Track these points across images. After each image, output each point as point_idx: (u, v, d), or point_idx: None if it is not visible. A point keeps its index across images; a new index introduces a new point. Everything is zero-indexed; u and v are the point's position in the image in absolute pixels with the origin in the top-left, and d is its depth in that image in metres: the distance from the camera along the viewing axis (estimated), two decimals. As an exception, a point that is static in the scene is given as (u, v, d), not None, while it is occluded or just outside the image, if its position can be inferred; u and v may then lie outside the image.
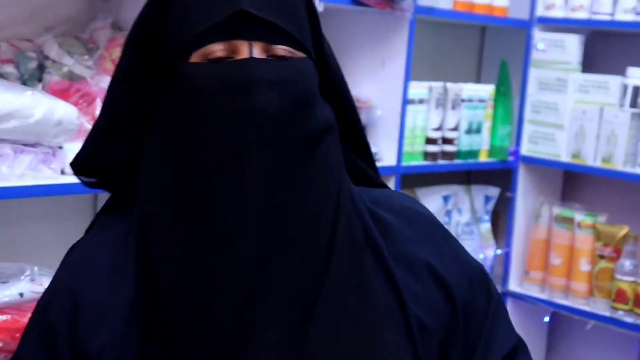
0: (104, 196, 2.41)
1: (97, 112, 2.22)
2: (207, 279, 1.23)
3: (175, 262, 1.26)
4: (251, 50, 1.23)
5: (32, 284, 2.12)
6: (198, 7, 1.26)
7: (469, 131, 3.17)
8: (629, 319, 3.12)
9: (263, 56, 1.24)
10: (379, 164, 2.73)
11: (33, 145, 2.07)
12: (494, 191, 3.43)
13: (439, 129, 3.07)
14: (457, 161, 3.15)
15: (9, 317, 2.05)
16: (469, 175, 3.51)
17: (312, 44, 1.31)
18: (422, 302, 1.32)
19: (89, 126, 2.16)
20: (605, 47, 3.44)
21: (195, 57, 1.25)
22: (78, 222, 2.43)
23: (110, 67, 2.35)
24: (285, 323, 1.22)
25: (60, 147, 2.13)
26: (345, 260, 1.28)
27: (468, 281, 1.39)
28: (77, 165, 1.41)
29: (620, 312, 3.14)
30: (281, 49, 1.25)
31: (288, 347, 1.20)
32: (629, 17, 3.13)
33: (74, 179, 2.08)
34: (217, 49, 1.24)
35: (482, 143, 3.24)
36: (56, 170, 2.11)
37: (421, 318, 1.31)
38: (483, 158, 3.27)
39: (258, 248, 1.22)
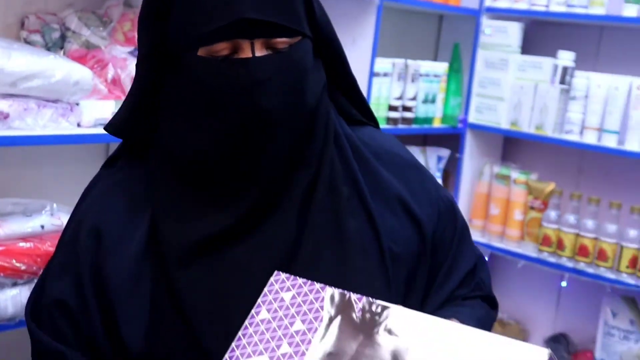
0: (114, 145, 2.43)
1: (110, 75, 2.23)
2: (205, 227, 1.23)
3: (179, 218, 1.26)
4: (253, 48, 1.20)
5: (52, 218, 2.13)
6: (203, 7, 1.22)
7: (425, 101, 3.18)
8: (552, 260, 3.16)
9: (264, 51, 1.22)
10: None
11: (54, 101, 2.07)
12: (445, 152, 3.44)
13: (400, 98, 3.07)
14: (414, 126, 3.15)
15: (32, 244, 2.07)
16: (425, 138, 3.52)
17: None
18: (395, 234, 1.32)
19: (102, 87, 2.18)
20: (541, 33, 3.45)
21: (201, 52, 1.23)
22: (91, 167, 2.43)
23: (122, 38, 2.35)
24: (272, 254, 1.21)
25: (77, 104, 2.13)
26: (326, 197, 1.27)
27: (437, 214, 1.39)
28: (110, 126, 1.38)
29: (545, 254, 3.17)
30: (280, 42, 1.22)
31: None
32: (561, 9, 3.14)
33: (88, 131, 2.11)
34: (222, 48, 1.21)
35: (436, 111, 3.25)
36: (73, 123, 2.11)
37: (393, 248, 1.30)
38: (437, 124, 3.28)
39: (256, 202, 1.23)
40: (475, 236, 3.36)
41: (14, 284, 2.03)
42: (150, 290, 1.25)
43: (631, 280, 2.96)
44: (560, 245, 3.12)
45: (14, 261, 2.01)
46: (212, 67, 1.22)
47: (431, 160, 3.39)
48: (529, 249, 3.24)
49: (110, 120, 1.38)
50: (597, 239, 3.04)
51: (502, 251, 3.34)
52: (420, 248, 1.35)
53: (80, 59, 2.22)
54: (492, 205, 3.36)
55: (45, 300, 1.32)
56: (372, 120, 1.48)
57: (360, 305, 0.94)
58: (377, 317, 0.92)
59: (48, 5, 2.32)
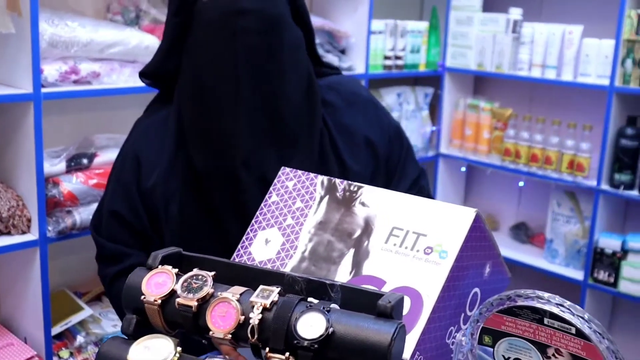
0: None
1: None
2: (220, 150, 1.24)
3: (198, 141, 1.26)
4: None
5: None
6: None
7: (412, 51, 3.17)
8: (512, 166, 3.16)
9: None
10: (353, 73, 2.75)
11: (132, 62, 2.11)
12: (430, 90, 3.44)
13: (392, 49, 3.06)
14: (405, 71, 3.15)
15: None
16: (414, 80, 3.51)
17: None
18: (356, 159, 1.33)
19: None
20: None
21: None
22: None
23: (180, 13, 2.36)
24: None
25: (149, 63, 2.15)
26: (317, 136, 1.29)
27: (388, 139, 1.40)
28: (143, 73, 1.40)
29: (507, 162, 3.18)
30: None
31: None
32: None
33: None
34: None
35: (420, 59, 3.24)
36: (146, 77, 2.15)
37: (356, 170, 1.32)
38: (422, 69, 3.26)
39: (251, 121, 1.21)
40: (455, 152, 3.40)
41: (112, 197, 2.08)
42: (181, 195, 1.27)
43: (570, 178, 2.97)
44: (517, 155, 3.13)
45: (109, 180, 2.07)
46: (209, 4, 1.22)
47: (420, 96, 3.39)
48: (495, 159, 3.25)
49: (142, 69, 1.39)
50: (544, 149, 3.05)
51: (475, 162, 3.35)
52: (376, 167, 1.37)
53: (150, 31, 2.24)
54: (466, 128, 3.37)
55: (104, 214, 1.35)
56: (335, 70, 1.47)
57: (342, 186, 0.98)
58: (354, 195, 0.96)
59: (125, -7, 2.34)
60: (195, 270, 0.81)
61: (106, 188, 1.39)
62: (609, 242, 2.89)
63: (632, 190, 2.84)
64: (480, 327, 0.83)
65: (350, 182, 0.98)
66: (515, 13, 3.09)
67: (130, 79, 2.09)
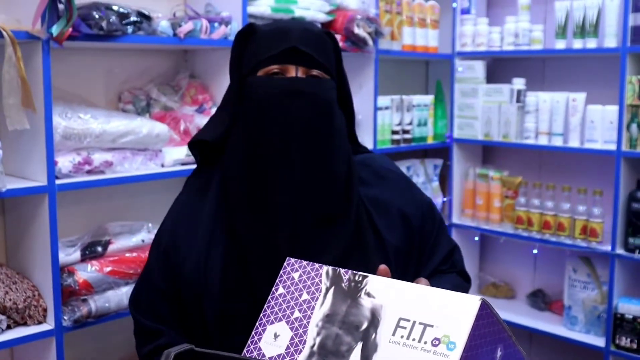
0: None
1: (182, 128, 2.28)
2: (266, 221, 1.25)
3: (245, 210, 1.27)
4: (296, 71, 1.25)
5: (149, 234, 2.19)
6: (264, 43, 1.27)
7: (419, 125, 3.19)
8: (525, 234, 3.14)
9: (303, 76, 1.26)
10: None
11: (143, 150, 2.13)
12: (439, 161, 3.45)
13: (399, 124, 3.09)
14: (413, 144, 3.17)
15: (136, 254, 2.13)
16: (424, 152, 3.53)
17: (335, 72, 1.33)
18: (392, 232, 1.34)
19: (176, 137, 2.23)
20: (499, 67, 3.45)
21: (260, 73, 1.27)
22: (173, 196, 2.51)
23: (189, 100, 2.40)
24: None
25: (160, 150, 2.19)
26: (354, 212, 1.30)
27: (421, 213, 1.40)
28: (191, 143, 1.40)
29: (520, 230, 3.16)
30: (315, 72, 1.27)
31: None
32: (511, 48, 3.14)
33: (169, 169, 2.17)
34: (274, 68, 1.26)
35: (428, 132, 3.26)
36: (158, 165, 2.18)
37: (392, 242, 1.33)
38: (430, 141, 3.28)
39: (298, 200, 1.23)
40: (467, 222, 3.38)
41: (126, 284, 2.09)
42: (222, 264, 1.27)
43: (584, 244, 2.94)
44: (530, 222, 3.11)
45: (123, 267, 2.07)
46: (265, 80, 1.26)
47: (429, 168, 3.40)
48: (507, 228, 3.23)
49: (192, 138, 1.40)
50: (556, 215, 3.03)
51: (488, 231, 3.33)
52: (411, 240, 1.37)
53: (161, 119, 2.28)
54: (477, 197, 3.36)
55: (143, 289, 1.36)
56: (366, 149, 1.50)
57: (347, 276, 0.97)
58: (359, 285, 0.95)
59: (136, 83, 2.39)
60: None
61: (145, 265, 1.41)
62: (629, 308, 2.84)
63: (647, 254, 2.81)
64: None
65: (355, 272, 0.97)
66: (519, 83, 3.12)
67: (142, 166, 2.11)
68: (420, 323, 0.87)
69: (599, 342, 2.95)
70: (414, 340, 0.86)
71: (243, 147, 1.28)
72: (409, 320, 0.88)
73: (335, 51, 1.34)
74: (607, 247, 2.88)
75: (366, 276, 0.96)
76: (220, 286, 1.26)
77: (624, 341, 2.85)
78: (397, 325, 0.89)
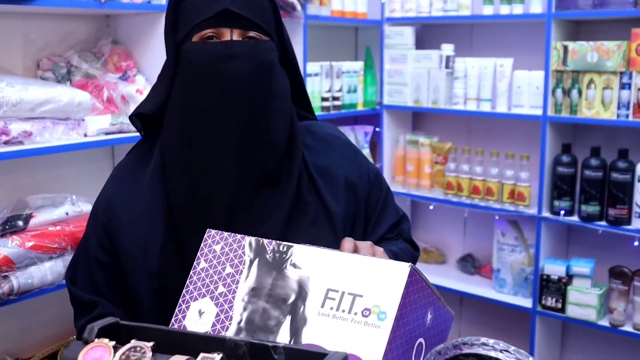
0: (118, 147, 2.39)
1: (105, 96, 2.19)
2: (203, 188, 1.21)
3: (181, 177, 1.23)
4: (231, 34, 1.21)
5: (73, 207, 2.10)
6: (197, 7, 1.23)
7: (349, 91, 3.16)
8: (455, 199, 3.16)
9: (239, 39, 1.22)
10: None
11: (64, 119, 2.04)
12: (369, 128, 3.42)
13: (329, 91, 3.05)
14: (343, 111, 3.14)
15: (59, 227, 2.03)
16: (354, 119, 3.50)
17: (275, 32, 1.28)
18: (338, 200, 1.31)
19: (99, 105, 2.14)
20: (428, 33, 3.44)
21: (194, 39, 1.23)
22: (97, 166, 2.44)
23: (112, 67, 2.31)
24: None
25: (82, 120, 2.09)
26: (295, 178, 1.26)
27: (367, 181, 1.38)
28: (133, 114, 1.36)
29: (450, 196, 3.17)
30: (252, 34, 1.23)
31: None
32: (440, 14, 3.13)
33: (92, 139, 2.08)
34: (208, 32, 1.22)
35: (358, 98, 3.23)
36: (80, 134, 2.08)
37: (338, 211, 1.30)
38: (360, 108, 3.26)
39: (237, 163, 1.20)
40: (399, 188, 3.38)
41: (50, 258, 2.00)
42: (160, 241, 1.23)
43: (512, 208, 2.98)
44: (459, 188, 3.13)
45: (47, 241, 1.99)
46: (200, 46, 1.22)
47: (360, 135, 3.37)
48: (438, 194, 3.25)
49: (134, 110, 1.36)
50: (485, 180, 3.05)
51: (419, 197, 3.34)
52: (357, 208, 1.35)
53: (82, 87, 2.19)
54: (408, 164, 3.36)
55: (81, 262, 1.33)
56: (314, 115, 1.47)
57: (271, 247, 0.93)
58: (284, 256, 0.91)
59: (56, 49, 2.28)
60: (133, 342, 0.75)
61: (83, 235, 1.37)
62: (554, 269, 2.89)
63: (572, 216, 2.86)
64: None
65: (279, 242, 0.93)
66: (448, 49, 3.12)
67: (63, 136, 2.01)
68: (349, 293, 0.84)
69: (527, 303, 3.01)
70: (343, 311, 0.83)
71: (180, 114, 1.24)
72: (337, 291, 0.85)
73: (274, 12, 1.30)
74: (534, 211, 2.92)
75: (291, 246, 0.92)
76: (158, 258, 1.23)
77: (550, 301, 2.91)
78: (326, 297, 0.85)
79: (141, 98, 2.21)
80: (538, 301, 2.94)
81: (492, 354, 0.74)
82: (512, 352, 0.76)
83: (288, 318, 0.85)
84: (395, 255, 1.19)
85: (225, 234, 0.97)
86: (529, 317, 2.99)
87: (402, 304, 0.81)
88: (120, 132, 2.16)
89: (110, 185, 1.35)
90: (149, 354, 0.74)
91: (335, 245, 1.15)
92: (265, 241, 0.93)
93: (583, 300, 2.82)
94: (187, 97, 1.23)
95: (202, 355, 0.70)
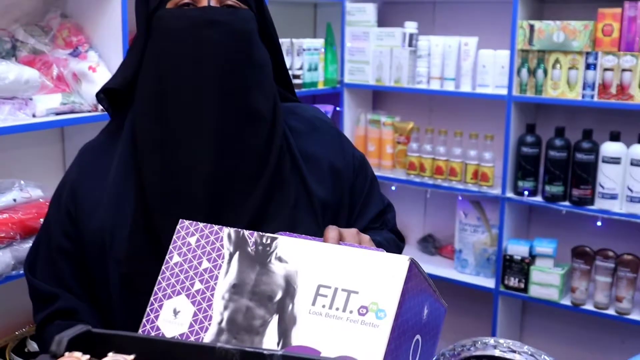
0: (68, 128, 2.26)
1: (54, 73, 2.06)
2: (177, 166, 1.12)
3: (154, 155, 1.14)
4: (209, 1, 1.13)
5: (21, 192, 1.98)
6: None
7: (309, 69, 3.07)
8: (417, 180, 3.11)
9: (217, 5, 1.14)
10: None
11: (10, 98, 1.91)
12: (330, 107, 3.34)
13: (289, 69, 2.95)
14: (304, 90, 3.05)
15: (7, 215, 1.91)
16: (313, 98, 3.41)
17: (254, 4, 1.20)
18: (322, 186, 1.23)
19: (49, 83, 2.01)
20: (390, 10, 3.36)
21: (169, 6, 1.15)
22: (47, 149, 2.31)
23: (62, 43, 2.17)
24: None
25: (30, 99, 1.96)
26: (275, 159, 1.17)
27: (352, 168, 1.30)
28: (101, 90, 1.26)
29: (412, 176, 3.12)
30: (230, 1, 1.15)
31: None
32: (404, -11, 3.06)
33: (42, 119, 1.95)
34: (185, 1, 1.14)
35: (319, 77, 3.14)
36: (28, 115, 1.95)
37: (321, 198, 1.22)
38: (320, 86, 3.17)
39: (215, 138, 1.11)
40: (358, 168, 3.31)
41: (-3, 248, 1.88)
42: (129, 225, 1.14)
43: (475, 188, 2.95)
44: (422, 168, 3.08)
45: (-6, 230, 1.87)
46: (175, 12, 1.14)
47: (320, 114, 3.29)
48: (400, 174, 3.19)
49: (101, 88, 1.26)
50: (448, 160, 3.01)
51: (380, 178, 3.27)
52: (341, 195, 1.28)
53: (29, 63, 2.04)
54: (369, 144, 3.30)
55: (42, 250, 1.23)
56: (295, 96, 1.38)
57: (252, 239, 0.84)
58: (268, 248, 0.82)
59: (-1, 23, 2.14)
60: (111, 356, 0.64)
61: (44, 221, 1.27)
62: (517, 249, 2.88)
63: (535, 197, 2.83)
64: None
65: (261, 233, 0.84)
66: (411, 27, 3.05)
67: (10, 117, 1.88)
68: (343, 290, 0.76)
69: (489, 283, 2.99)
70: (337, 309, 0.75)
71: (153, 83, 1.15)
72: (329, 287, 0.77)
73: None
74: (498, 191, 2.89)
75: (275, 238, 0.83)
76: (127, 243, 1.13)
77: (513, 281, 2.89)
78: (317, 294, 0.77)
79: (95, 76, 2.10)
80: (501, 281, 2.92)
81: (509, 356, 0.67)
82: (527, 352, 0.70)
83: (275, 317, 0.77)
84: (379, 246, 1.11)
85: (201, 224, 0.88)
86: (492, 298, 2.97)
87: (402, 300, 0.74)
88: (72, 112, 2.03)
89: (75, 166, 1.25)
90: (131, 369, 0.64)
91: (317, 232, 1.07)
92: (246, 232, 0.85)
93: (546, 280, 2.81)
94: (161, 65, 1.15)
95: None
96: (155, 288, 0.85)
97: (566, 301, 2.82)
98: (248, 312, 0.78)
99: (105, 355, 0.62)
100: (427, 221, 3.47)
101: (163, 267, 0.86)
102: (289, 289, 0.78)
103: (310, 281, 0.78)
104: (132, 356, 0.61)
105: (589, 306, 2.78)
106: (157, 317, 0.82)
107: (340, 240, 0.92)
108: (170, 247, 0.87)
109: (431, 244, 3.38)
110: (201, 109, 1.11)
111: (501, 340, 0.69)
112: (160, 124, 1.14)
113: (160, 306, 0.83)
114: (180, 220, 0.89)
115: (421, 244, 3.40)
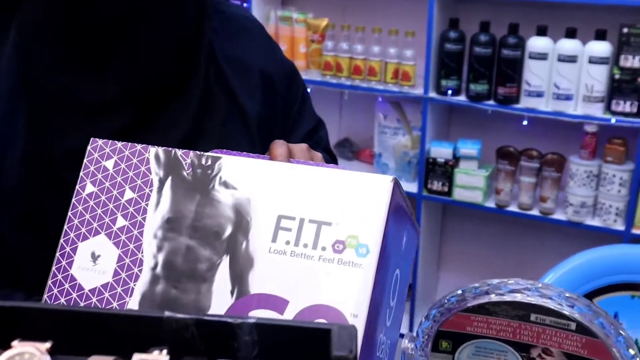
0: None
1: None
2: (84, 73, 0.86)
3: (54, 60, 0.87)
4: None
5: None
6: None
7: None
8: (334, 81, 2.96)
9: None
10: None
11: None
12: (236, 3, 3.10)
13: None
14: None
15: None
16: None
17: None
18: (253, 98, 1.05)
19: None
20: None
21: None
22: None
23: None
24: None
25: None
26: (203, 69, 0.96)
27: (285, 77, 1.12)
28: None
29: (328, 77, 2.97)
30: None
31: None
32: None
33: None
34: None
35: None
36: None
37: (254, 111, 1.04)
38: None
39: (130, 47, 0.87)
40: (270, 70, 3.12)
41: None
42: (21, 154, 0.89)
43: (395, 89, 2.83)
44: (338, 68, 2.92)
45: None
46: None
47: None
48: (315, 75, 3.02)
49: None
50: (367, 59, 2.86)
51: (293, 79, 3.10)
52: (274, 107, 1.10)
53: None
54: (280, 43, 3.08)
55: None
56: None
57: (188, 160, 0.66)
58: (209, 172, 0.65)
59: None
60: (19, 346, 0.44)
61: None
62: (440, 151, 2.80)
63: (459, 96, 2.74)
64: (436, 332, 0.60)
65: (199, 152, 0.67)
66: None
67: None
68: (311, 221, 0.61)
69: (412, 187, 2.93)
70: (305, 246, 0.60)
71: None
72: (293, 219, 0.62)
73: None
74: (420, 91, 2.78)
75: (218, 157, 0.66)
76: (20, 175, 0.89)
77: (436, 185, 2.83)
78: (278, 227, 0.61)
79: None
80: (424, 185, 2.86)
81: (534, 300, 0.55)
82: (567, 297, 0.58)
83: (225, 259, 0.61)
84: None
85: (119, 144, 0.69)
86: (415, 202, 2.91)
87: (386, 232, 0.60)
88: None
89: None
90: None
91: (252, 150, 0.91)
92: (179, 152, 0.67)
93: (470, 183, 2.77)
94: None
95: (136, 357, 0.42)
96: (66, 227, 0.67)
97: (490, 203, 2.80)
98: (189, 254, 0.62)
99: (8, 345, 0.43)
100: (342, 124, 3.34)
101: (74, 200, 0.67)
102: (241, 223, 0.62)
103: (268, 211, 0.62)
104: (48, 344, 0.42)
105: (513, 207, 2.77)
106: (70, 264, 0.65)
107: (290, 157, 0.77)
108: (81, 173, 0.68)
109: (348, 149, 3.27)
110: (115, 7, 0.85)
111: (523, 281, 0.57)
112: (60, 20, 0.85)
113: (74, 250, 0.65)
114: (92, 139, 0.70)
115: (337, 149, 3.28)
